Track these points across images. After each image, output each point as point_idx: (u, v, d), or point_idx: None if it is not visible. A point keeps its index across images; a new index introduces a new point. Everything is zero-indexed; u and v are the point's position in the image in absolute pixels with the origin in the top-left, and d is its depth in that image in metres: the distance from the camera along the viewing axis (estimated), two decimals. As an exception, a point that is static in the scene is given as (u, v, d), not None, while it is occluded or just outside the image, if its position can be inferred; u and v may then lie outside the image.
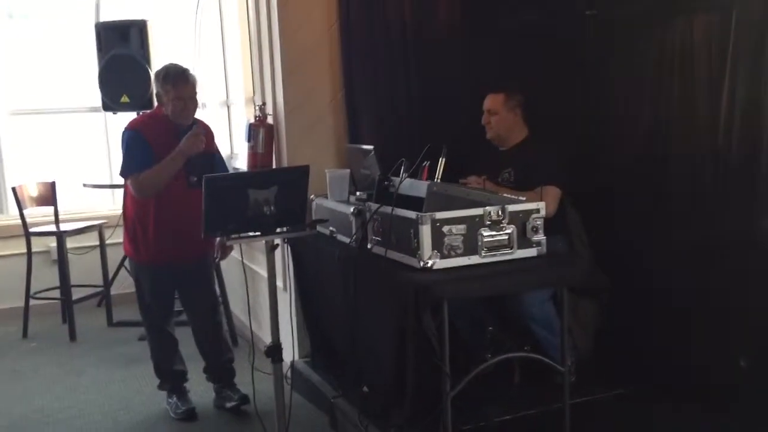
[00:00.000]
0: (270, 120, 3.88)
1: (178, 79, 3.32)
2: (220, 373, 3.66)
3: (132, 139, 3.36)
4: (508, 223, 2.67)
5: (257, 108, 3.92)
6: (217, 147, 3.65)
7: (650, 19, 3.21)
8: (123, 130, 3.45)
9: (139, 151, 3.32)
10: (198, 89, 3.44)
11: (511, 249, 2.68)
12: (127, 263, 5.21)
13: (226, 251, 3.63)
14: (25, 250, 4.96)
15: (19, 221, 4.93)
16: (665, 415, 2.95)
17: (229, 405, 3.58)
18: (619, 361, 3.26)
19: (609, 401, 3.12)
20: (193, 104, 3.40)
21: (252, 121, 3.94)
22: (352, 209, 3.01)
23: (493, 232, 2.65)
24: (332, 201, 3.30)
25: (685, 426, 2.90)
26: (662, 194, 3.22)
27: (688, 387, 2.98)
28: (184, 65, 3.45)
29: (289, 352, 3.63)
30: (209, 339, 3.66)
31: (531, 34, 3.67)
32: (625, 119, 3.38)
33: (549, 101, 3.56)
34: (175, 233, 3.34)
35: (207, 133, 3.50)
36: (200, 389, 3.75)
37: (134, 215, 3.44)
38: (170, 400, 3.62)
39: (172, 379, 3.64)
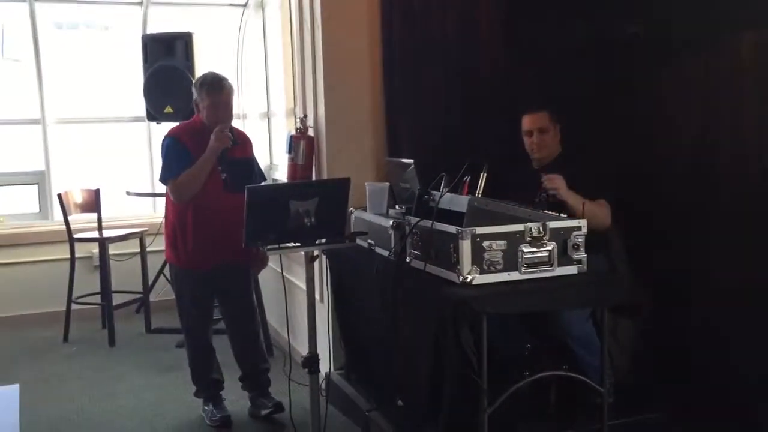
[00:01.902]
0: (311, 132, 3.92)
1: (213, 87, 3.41)
2: (256, 381, 3.69)
3: (170, 145, 3.45)
4: (549, 240, 2.65)
5: (298, 120, 3.96)
6: (254, 156, 3.69)
7: (697, 36, 3.18)
8: (163, 138, 3.54)
9: (176, 156, 3.40)
10: (234, 97, 3.51)
11: (552, 266, 2.66)
12: (167, 270, 5.31)
13: (260, 265, 3.68)
14: (68, 256, 5.06)
15: (64, 227, 5.03)
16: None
17: (264, 412, 3.60)
18: (657, 383, 3.21)
19: (647, 424, 3.06)
20: (228, 110, 3.47)
21: (293, 133, 3.98)
22: (391, 222, 3.02)
23: (534, 249, 2.63)
24: (371, 214, 3.31)
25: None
26: (708, 215, 3.17)
27: (728, 410, 2.91)
28: (222, 74, 3.52)
29: (325, 364, 3.64)
30: (246, 347, 3.69)
31: (575, 53, 3.66)
32: (672, 137, 3.34)
33: (593, 119, 3.54)
34: (214, 237, 3.38)
35: (242, 138, 3.57)
36: (235, 398, 3.78)
37: (174, 220, 3.50)
38: (206, 408, 3.65)
39: (208, 386, 3.67)
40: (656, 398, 3.17)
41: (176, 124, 4.94)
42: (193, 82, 3.56)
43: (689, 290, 3.21)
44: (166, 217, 3.63)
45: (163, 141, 3.52)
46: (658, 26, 3.34)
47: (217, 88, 3.42)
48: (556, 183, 3.05)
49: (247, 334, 3.68)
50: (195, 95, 3.48)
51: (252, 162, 3.62)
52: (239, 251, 2.85)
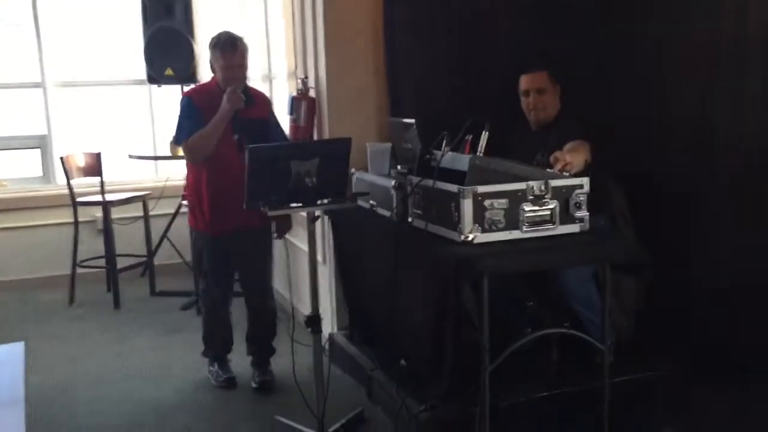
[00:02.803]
0: (312, 93, 3.89)
1: (227, 47, 3.37)
2: (260, 350, 3.68)
3: (184, 106, 3.45)
4: (551, 199, 2.64)
5: (299, 81, 3.93)
6: (273, 115, 3.64)
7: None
8: (180, 98, 3.52)
9: (189, 117, 3.39)
10: (247, 57, 3.46)
11: (554, 224, 2.66)
12: (170, 234, 5.33)
13: (284, 229, 3.63)
14: (72, 220, 5.08)
15: (67, 191, 5.04)
16: (704, 396, 2.91)
17: (252, 384, 3.61)
18: (658, 342, 3.23)
19: (648, 382, 3.08)
20: (242, 72, 3.43)
21: (294, 94, 3.95)
22: (392, 182, 3.01)
23: (536, 207, 2.63)
24: (373, 174, 3.30)
25: (725, 408, 2.86)
26: (709, 181, 3.17)
27: (729, 368, 2.93)
28: (237, 34, 3.47)
29: (328, 325, 3.67)
30: (256, 317, 3.67)
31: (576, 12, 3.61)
32: (675, 105, 3.32)
33: (595, 83, 3.51)
34: (229, 199, 3.26)
35: (259, 99, 3.54)
36: (241, 359, 3.81)
37: (193, 183, 3.51)
38: (211, 368, 3.68)
39: (217, 346, 3.69)
40: (657, 357, 3.19)
41: (177, 86, 4.97)
42: (209, 42, 3.49)
43: (690, 250, 3.21)
44: (187, 180, 3.62)
45: (180, 101, 3.51)
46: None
47: (230, 48, 3.37)
48: (565, 166, 2.82)
49: (260, 304, 3.64)
50: (210, 56, 3.44)
51: (267, 123, 3.55)
52: (257, 214, 2.80)
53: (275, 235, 3.65)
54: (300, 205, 2.79)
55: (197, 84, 3.62)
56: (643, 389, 3.06)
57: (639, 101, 3.45)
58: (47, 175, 5.73)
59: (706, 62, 3.16)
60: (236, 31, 3.55)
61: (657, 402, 2.99)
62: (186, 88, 4.92)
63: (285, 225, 3.64)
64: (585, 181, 2.70)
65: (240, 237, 3.46)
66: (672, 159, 3.33)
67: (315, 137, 3.87)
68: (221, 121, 3.31)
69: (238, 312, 3.76)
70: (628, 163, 3.31)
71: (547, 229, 2.65)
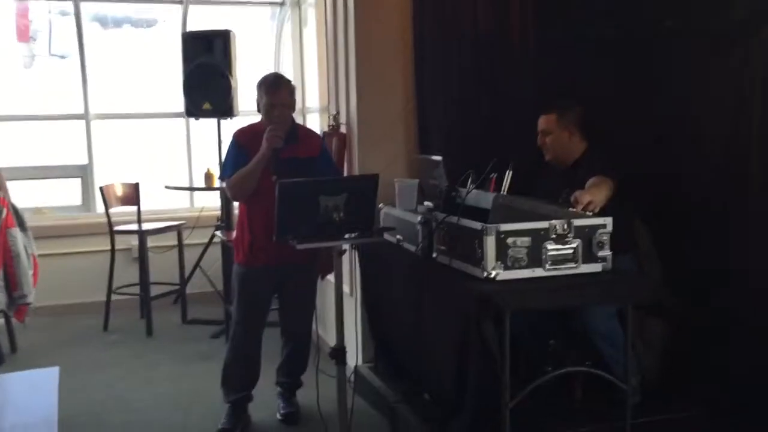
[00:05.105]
0: (343, 129, 3.99)
1: (270, 86, 3.40)
2: (288, 384, 3.70)
3: (230, 145, 3.50)
4: (574, 237, 2.67)
5: (331, 117, 4.03)
6: (325, 153, 3.59)
7: (732, 32, 3.16)
8: None
9: (233, 155, 3.44)
10: (293, 96, 3.46)
11: (576, 263, 2.68)
12: (203, 263, 5.43)
13: (326, 270, 3.54)
14: (109, 247, 5.21)
15: (105, 219, 5.18)
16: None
17: (278, 416, 3.63)
18: (686, 384, 3.20)
19: (673, 423, 3.06)
20: (287, 111, 3.43)
21: (326, 129, 4.05)
22: (419, 218, 3.06)
23: (558, 246, 2.66)
24: (400, 210, 3.37)
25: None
26: (740, 215, 3.15)
27: (756, 411, 2.90)
28: (285, 75, 3.52)
29: (353, 357, 3.70)
30: (291, 356, 3.64)
31: (605, 49, 3.66)
32: (704, 136, 3.33)
33: (622, 117, 3.54)
34: (268, 236, 3.10)
35: (308, 137, 3.54)
36: (268, 387, 3.85)
37: (239, 218, 3.56)
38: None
39: (231, 401, 3.55)
40: (685, 398, 3.16)
41: (214, 120, 5.12)
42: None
43: (721, 290, 3.19)
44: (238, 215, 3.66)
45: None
46: (687, 19, 3.31)
47: (274, 87, 3.39)
48: (587, 206, 2.84)
49: (298, 338, 3.63)
50: (256, 95, 3.46)
51: (314, 162, 3.45)
52: (298, 252, 2.78)
53: (320, 275, 3.64)
54: (328, 239, 2.85)
55: (249, 124, 3.63)
56: (668, 430, 3.04)
57: (665, 133, 3.46)
58: (87, 204, 5.89)
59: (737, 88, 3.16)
60: (273, 67, 3.62)
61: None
62: (223, 122, 5.11)
63: (327, 266, 3.46)
64: (608, 220, 2.72)
65: (284, 271, 3.44)
66: (704, 191, 3.31)
67: (345, 172, 3.96)
68: (260, 161, 3.32)
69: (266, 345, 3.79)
70: (658, 195, 3.31)
71: (570, 268, 2.68)
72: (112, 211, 5.19)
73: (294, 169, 3.26)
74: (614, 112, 3.56)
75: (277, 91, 3.39)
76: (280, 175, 3.16)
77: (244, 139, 3.46)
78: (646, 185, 3.36)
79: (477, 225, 2.64)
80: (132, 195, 5.36)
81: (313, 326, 3.60)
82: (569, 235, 2.66)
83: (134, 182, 5.39)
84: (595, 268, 2.70)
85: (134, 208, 5.32)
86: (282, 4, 5.70)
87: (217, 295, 5.24)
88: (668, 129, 3.47)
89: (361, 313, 3.67)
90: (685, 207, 3.37)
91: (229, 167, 3.45)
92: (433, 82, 3.84)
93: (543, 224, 2.65)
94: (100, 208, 5.42)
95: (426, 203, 3.18)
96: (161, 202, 5.84)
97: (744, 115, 3.12)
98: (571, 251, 2.67)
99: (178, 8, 5.94)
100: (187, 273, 5.45)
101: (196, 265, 5.44)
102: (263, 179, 3.33)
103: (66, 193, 5.90)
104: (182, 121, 5.88)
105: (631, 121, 3.55)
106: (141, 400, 3.92)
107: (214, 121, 5.16)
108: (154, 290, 5.27)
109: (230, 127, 3.72)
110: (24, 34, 6.39)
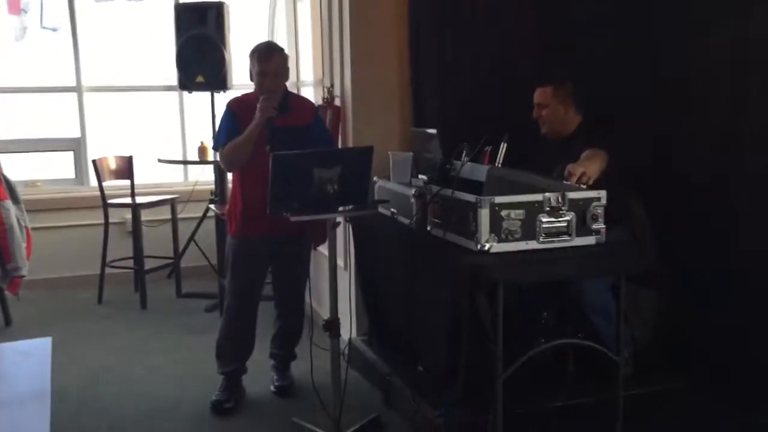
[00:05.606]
0: (337, 102, 3.96)
1: (262, 54, 3.35)
2: (282, 357, 3.71)
3: (223, 114, 3.47)
4: (568, 210, 2.67)
5: (325, 90, 4.01)
6: (319, 122, 3.55)
7: (726, 15, 3.13)
8: None
9: (225, 126, 3.41)
10: (285, 64, 3.41)
11: (570, 236, 2.68)
12: (197, 237, 5.43)
13: (319, 240, 3.56)
14: (102, 221, 5.20)
15: (98, 193, 5.16)
16: (721, 410, 2.91)
17: (271, 388, 3.65)
18: (677, 355, 3.22)
19: (664, 394, 3.09)
20: (279, 79, 3.38)
21: (320, 102, 4.03)
22: (413, 191, 3.06)
23: (552, 219, 2.65)
24: (394, 183, 3.36)
25: (740, 421, 2.85)
26: (733, 193, 3.16)
27: (747, 383, 2.92)
28: (278, 44, 3.47)
29: (347, 330, 3.72)
30: (286, 323, 3.65)
31: (602, 27, 3.63)
32: (700, 116, 3.32)
33: (620, 94, 3.52)
34: (262, 206, 3.09)
35: (301, 106, 3.50)
36: (263, 359, 3.87)
37: (233, 188, 3.54)
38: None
39: (225, 372, 3.58)
40: (676, 369, 3.19)
41: (207, 93, 5.08)
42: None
43: (713, 262, 3.20)
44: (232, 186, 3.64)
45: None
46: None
47: (266, 55, 3.34)
48: (581, 177, 2.86)
49: (292, 310, 3.63)
50: (249, 64, 3.42)
51: (308, 130, 3.42)
52: (291, 223, 2.77)
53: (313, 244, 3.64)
54: (321, 212, 2.84)
55: (243, 93, 3.59)
56: (660, 402, 3.06)
57: (668, 103, 3.45)
58: (80, 177, 5.87)
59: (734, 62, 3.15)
60: (267, 39, 3.59)
61: (672, 415, 2.99)
62: (216, 95, 5.08)
63: (321, 236, 3.50)
64: (602, 193, 2.72)
65: (277, 242, 3.43)
66: (698, 163, 3.31)
67: (339, 145, 3.94)
68: (253, 130, 3.29)
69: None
70: (652, 166, 3.31)
71: (564, 241, 2.68)
72: (105, 184, 5.17)
73: (288, 137, 3.24)
74: (612, 86, 3.54)
75: (269, 59, 3.34)
76: (274, 144, 3.16)
77: (238, 108, 3.43)
78: (642, 154, 3.36)
79: (471, 197, 2.64)
80: (125, 168, 5.35)
81: (307, 298, 3.60)
82: (563, 208, 2.66)
83: (127, 155, 5.37)
84: (589, 241, 2.70)
85: (128, 182, 5.32)
86: (276, -25, 5.64)
87: (211, 269, 5.24)
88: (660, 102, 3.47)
89: (355, 286, 3.67)
90: (678, 184, 3.36)
91: (222, 137, 3.42)
92: (428, 56, 3.81)
93: (537, 197, 2.64)
94: (93, 181, 5.41)
95: (420, 176, 3.17)
96: (155, 175, 5.83)
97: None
98: (565, 224, 2.67)
99: (170, -22, 5.87)
100: (181, 247, 5.44)
101: (190, 238, 5.44)
102: (257, 149, 3.30)
103: (59, 166, 5.87)
104: (175, 94, 5.84)
105: (622, 96, 3.54)
106: (135, 373, 3.94)
107: (207, 94, 5.12)
108: (149, 264, 5.27)
109: (224, 100, 3.67)
110: (15, 7, 6.32)
